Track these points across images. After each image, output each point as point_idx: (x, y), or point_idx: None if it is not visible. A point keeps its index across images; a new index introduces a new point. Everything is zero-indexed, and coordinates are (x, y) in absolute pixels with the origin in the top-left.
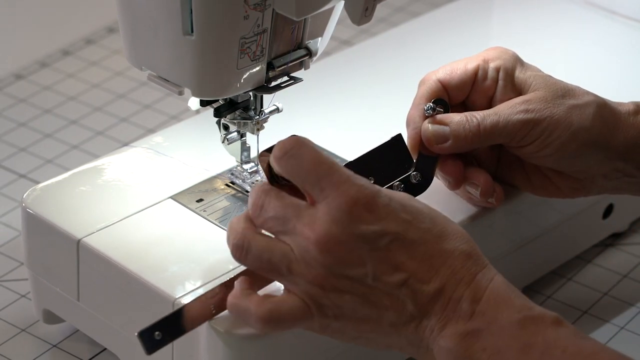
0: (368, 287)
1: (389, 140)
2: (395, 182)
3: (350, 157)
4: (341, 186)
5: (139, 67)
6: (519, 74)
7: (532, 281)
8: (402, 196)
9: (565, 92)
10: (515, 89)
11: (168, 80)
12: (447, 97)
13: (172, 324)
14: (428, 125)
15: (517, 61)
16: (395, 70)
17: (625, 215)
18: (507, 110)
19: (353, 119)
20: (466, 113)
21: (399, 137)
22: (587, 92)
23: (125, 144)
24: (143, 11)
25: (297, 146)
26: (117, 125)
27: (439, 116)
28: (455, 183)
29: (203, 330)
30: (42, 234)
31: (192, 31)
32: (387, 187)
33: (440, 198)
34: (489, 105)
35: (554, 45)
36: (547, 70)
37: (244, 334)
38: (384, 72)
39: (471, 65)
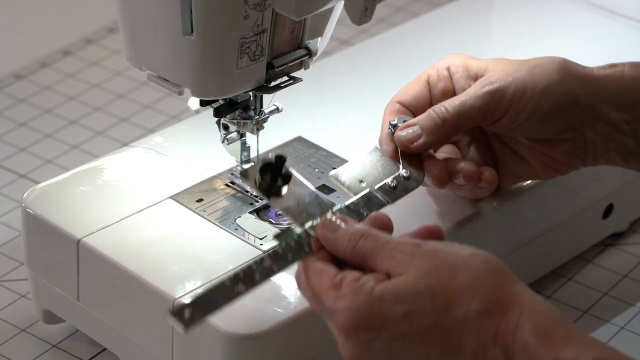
0: None
1: (367, 153)
2: (388, 180)
3: (349, 157)
4: (334, 314)
5: (139, 67)
6: (472, 63)
7: (532, 281)
8: (395, 283)
9: (523, 61)
10: (473, 76)
11: (168, 80)
12: (411, 114)
13: (205, 301)
14: (399, 133)
15: (467, 56)
16: (395, 70)
17: (625, 215)
18: (471, 90)
19: (353, 119)
20: (432, 107)
21: (376, 149)
22: (547, 56)
23: (125, 144)
24: (143, 11)
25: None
26: (117, 125)
27: (406, 122)
28: (439, 179)
29: (203, 330)
30: (42, 234)
31: (192, 31)
32: (379, 187)
33: (436, 201)
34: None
35: (554, 45)
36: None
37: (244, 334)
38: (384, 72)
39: (421, 75)
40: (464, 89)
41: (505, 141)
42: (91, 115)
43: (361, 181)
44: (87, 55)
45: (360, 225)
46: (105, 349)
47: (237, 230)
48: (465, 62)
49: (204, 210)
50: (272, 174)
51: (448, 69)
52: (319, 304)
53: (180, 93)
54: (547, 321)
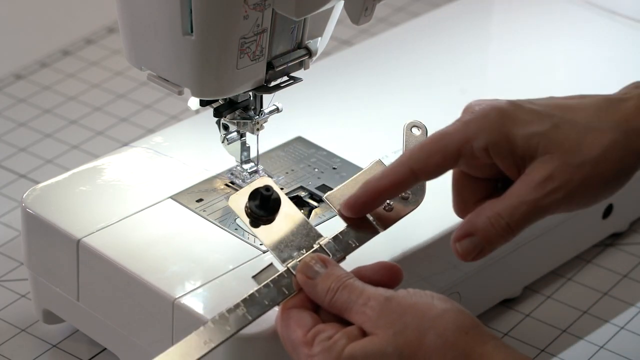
0: None
1: (369, 167)
2: (384, 204)
3: (349, 157)
4: None
5: (139, 67)
6: (516, 138)
7: (532, 281)
8: (364, 344)
9: (578, 139)
10: (518, 156)
11: (168, 80)
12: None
13: None
14: (456, 246)
15: (506, 119)
16: (395, 70)
17: (625, 215)
18: (532, 194)
19: (353, 119)
20: (487, 214)
21: (379, 162)
22: (598, 119)
23: (125, 144)
24: (143, 11)
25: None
26: (117, 125)
27: (460, 228)
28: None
29: None
30: (42, 234)
31: (192, 31)
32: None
33: (436, 201)
34: (492, 170)
35: (554, 45)
36: (547, 71)
37: (244, 334)
38: (384, 72)
39: (450, 149)
40: (507, 170)
41: None
42: (91, 115)
43: None
44: (87, 55)
45: (339, 271)
46: (105, 349)
47: (237, 230)
48: (507, 139)
49: (204, 210)
50: (260, 203)
51: (486, 151)
52: (294, 354)
53: (180, 93)
54: None
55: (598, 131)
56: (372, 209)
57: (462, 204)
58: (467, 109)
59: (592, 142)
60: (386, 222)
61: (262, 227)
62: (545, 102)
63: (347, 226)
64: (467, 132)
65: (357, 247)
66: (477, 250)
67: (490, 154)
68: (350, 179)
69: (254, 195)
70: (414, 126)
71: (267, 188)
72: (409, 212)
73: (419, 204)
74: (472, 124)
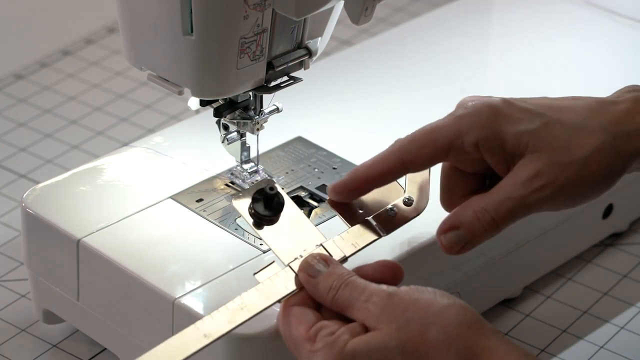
0: None
1: None
2: (388, 207)
3: (349, 157)
4: None
5: (139, 67)
6: (508, 138)
7: (532, 281)
8: (367, 339)
9: (567, 139)
10: (507, 153)
11: (168, 80)
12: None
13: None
14: (441, 239)
15: (498, 116)
16: (395, 70)
17: (625, 215)
18: (519, 190)
19: (353, 119)
20: (473, 208)
21: None
22: (589, 120)
23: (125, 144)
24: (143, 11)
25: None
26: (117, 125)
27: (446, 220)
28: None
29: None
30: (42, 234)
31: (192, 31)
32: (376, 215)
33: (436, 201)
34: (481, 165)
35: (554, 45)
36: (547, 71)
37: (244, 334)
38: (384, 72)
39: (441, 143)
40: (496, 167)
41: None
42: (91, 115)
43: (359, 209)
44: (87, 55)
45: (341, 269)
46: (105, 349)
47: (237, 230)
48: (497, 136)
49: (204, 210)
50: (264, 203)
51: (477, 146)
52: (296, 351)
53: (180, 93)
54: None
55: (588, 132)
56: (358, 195)
57: (449, 197)
58: (461, 104)
59: (581, 142)
60: (388, 227)
61: (266, 227)
62: (537, 101)
63: (350, 229)
64: (459, 126)
65: (360, 248)
66: (462, 243)
67: (480, 149)
68: None
69: (258, 195)
70: None
71: (271, 188)
72: (412, 219)
73: (421, 211)
74: (465, 119)
